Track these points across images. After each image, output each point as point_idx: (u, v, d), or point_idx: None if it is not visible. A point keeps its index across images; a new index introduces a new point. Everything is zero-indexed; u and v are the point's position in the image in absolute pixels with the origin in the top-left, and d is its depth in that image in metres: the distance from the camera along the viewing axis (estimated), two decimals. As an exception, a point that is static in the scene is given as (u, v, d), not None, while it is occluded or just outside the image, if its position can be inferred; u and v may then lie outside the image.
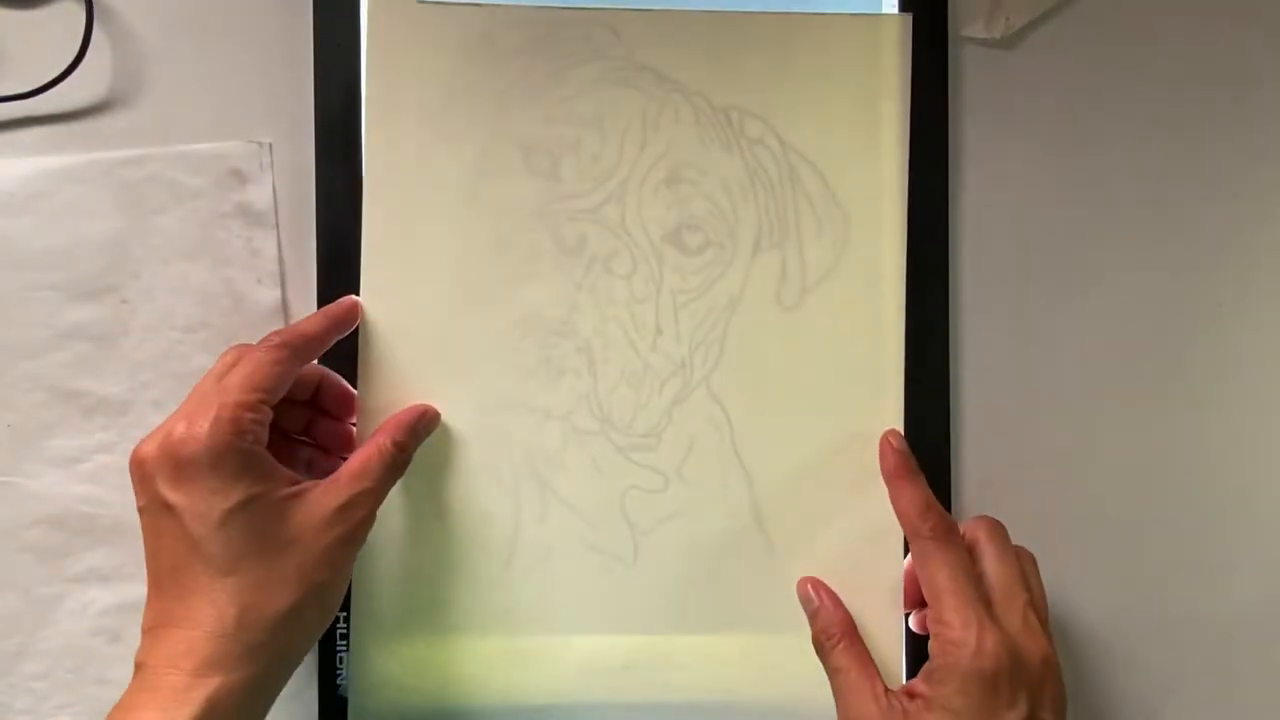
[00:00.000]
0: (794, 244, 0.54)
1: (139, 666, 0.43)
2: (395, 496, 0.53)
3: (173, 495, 0.43)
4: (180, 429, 0.43)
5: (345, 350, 0.53)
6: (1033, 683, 0.46)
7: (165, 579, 0.44)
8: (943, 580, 0.47)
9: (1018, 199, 0.57)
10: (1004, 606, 0.47)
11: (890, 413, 0.54)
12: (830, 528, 0.54)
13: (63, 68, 0.52)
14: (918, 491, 0.49)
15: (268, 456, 0.45)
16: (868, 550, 0.53)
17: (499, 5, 0.53)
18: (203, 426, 0.43)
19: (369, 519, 0.47)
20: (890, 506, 0.52)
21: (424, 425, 0.51)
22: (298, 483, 0.46)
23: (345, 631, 0.53)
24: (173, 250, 0.54)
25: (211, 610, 0.43)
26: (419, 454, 0.53)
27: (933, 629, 0.47)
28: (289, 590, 0.44)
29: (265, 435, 0.46)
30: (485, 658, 0.54)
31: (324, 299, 0.53)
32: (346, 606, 0.53)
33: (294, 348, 0.47)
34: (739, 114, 0.54)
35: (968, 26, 0.56)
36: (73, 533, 0.54)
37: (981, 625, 0.46)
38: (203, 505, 0.43)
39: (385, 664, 0.53)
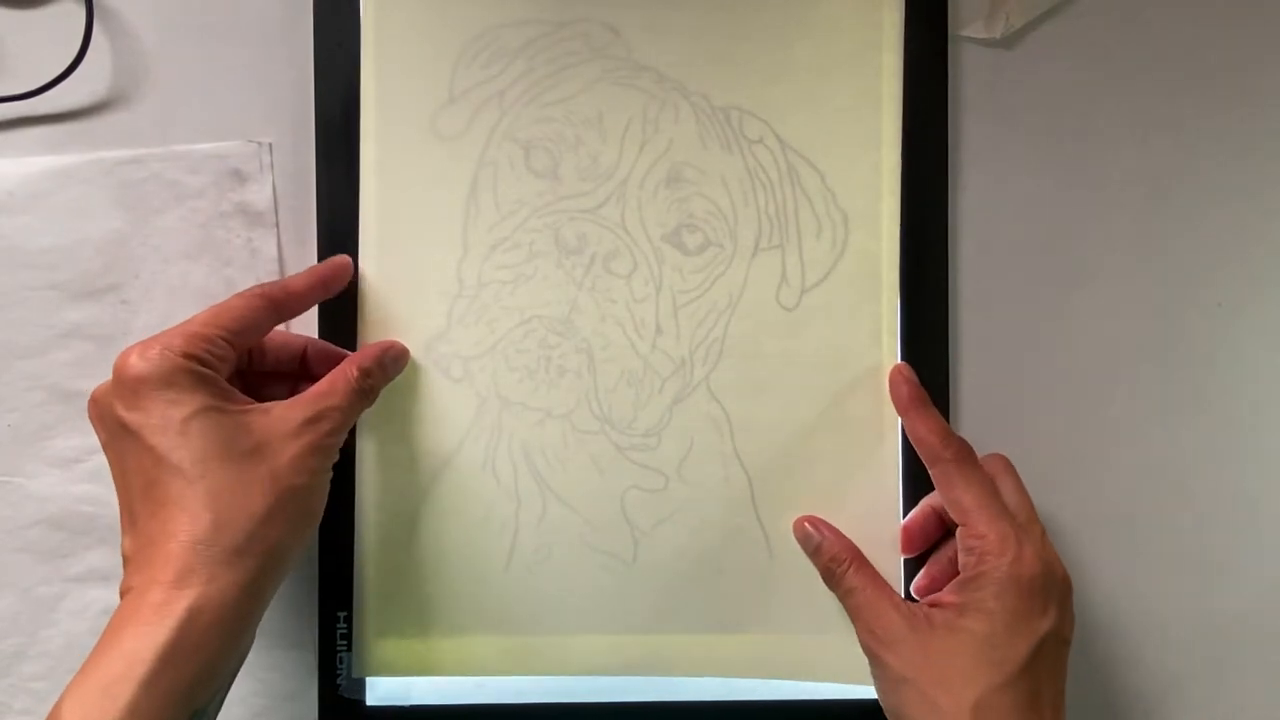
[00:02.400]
0: (793, 244, 0.54)
1: (123, 594, 0.42)
2: (395, 496, 0.53)
3: (130, 415, 0.43)
4: (133, 356, 0.43)
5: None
6: (1060, 598, 0.47)
7: (137, 504, 0.43)
8: (970, 500, 0.48)
9: (1018, 197, 0.56)
10: (1028, 529, 0.48)
11: (888, 410, 0.54)
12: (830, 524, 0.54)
13: (63, 68, 0.52)
14: (935, 419, 0.50)
15: (225, 383, 0.45)
16: (866, 546, 0.53)
17: (499, 5, 0.53)
18: (154, 350, 0.43)
19: (337, 433, 0.47)
20: (889, 503, 0.53)
21: (390, 358, 0.51)
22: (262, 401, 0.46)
23: (345, 631, 0.53)
24: (173, 250, 0.54)
25: (185, 517, 0.42)
26: (419, 454, 0.53)
27: (966, 544, 0.47)
28: (263, 492, 0.43)
29: (224, 369, 0.46)
30: (485, 658, 0.53)
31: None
32: (348, 606, 0.53)
33: (271, 297, 0.47)
34: (739, 114, 0.54)
35: (968, 26, 0.56)
36: (72, 533, 0.54)
37: (1019, 536, 0.47)
38: (160, 418, 0.43)
39: (386, 663, 0.53)
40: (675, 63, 0.54)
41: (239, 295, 0.47)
